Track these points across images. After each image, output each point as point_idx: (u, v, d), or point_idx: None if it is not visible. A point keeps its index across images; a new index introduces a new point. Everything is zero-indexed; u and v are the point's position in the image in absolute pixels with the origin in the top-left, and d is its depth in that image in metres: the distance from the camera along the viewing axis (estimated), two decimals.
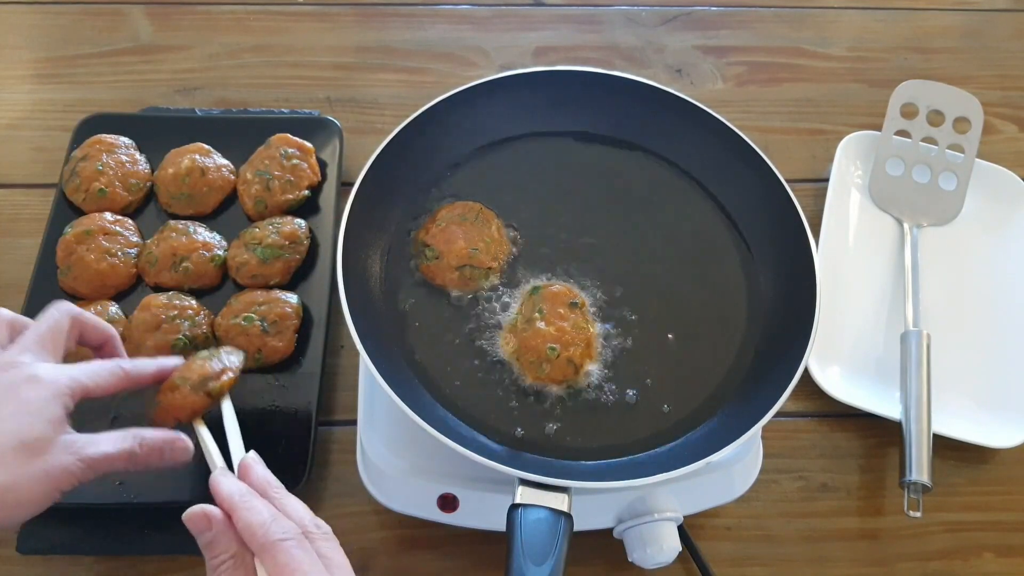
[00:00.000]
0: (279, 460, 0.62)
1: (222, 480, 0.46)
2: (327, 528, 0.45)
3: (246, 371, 0.58)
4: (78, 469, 0.44)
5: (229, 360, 0.55)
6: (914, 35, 0.96)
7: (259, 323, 0.66)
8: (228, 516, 0.44)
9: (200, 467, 0.62)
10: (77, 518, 0.62)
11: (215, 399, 0.52)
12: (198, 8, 0.92)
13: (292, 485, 0.61)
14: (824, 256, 0.74)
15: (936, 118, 0.82)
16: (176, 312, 0.66)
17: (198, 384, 0.52)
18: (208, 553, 0.43)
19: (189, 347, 0.65)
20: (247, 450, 0.51)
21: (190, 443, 0.50)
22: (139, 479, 0.61)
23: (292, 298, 0.68)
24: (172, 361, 0.53)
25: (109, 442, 0.46)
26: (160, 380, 0.53)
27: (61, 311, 0.51)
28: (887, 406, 0.68)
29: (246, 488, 0.46)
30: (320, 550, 0.43)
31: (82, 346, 0.53)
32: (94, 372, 0.49)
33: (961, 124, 0.81)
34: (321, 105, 0.85)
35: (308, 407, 0.65)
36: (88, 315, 0.53)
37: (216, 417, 0.53)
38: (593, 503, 0.58)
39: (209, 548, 0.43)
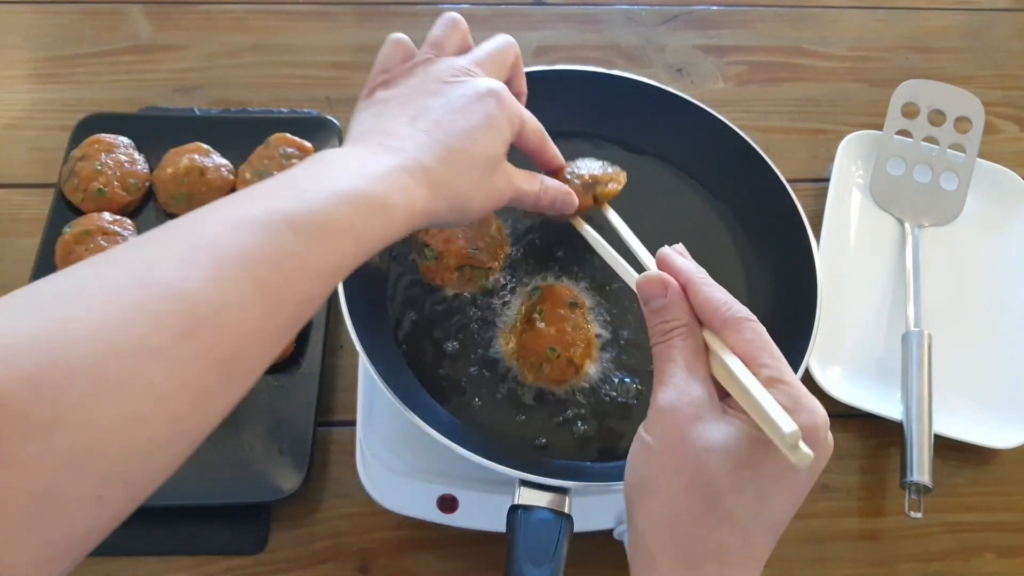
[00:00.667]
0: (278, 461, 0.62)
1: (675, 256, 0.46)
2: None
3: None
4: (508, 193, 0.49)
5: (616, 172, 0.57)
6: (915, 35, 0.96)
7: None
8: (683, 288, 0.44)
9: (201, 469, 0.62)
10: None
11: (599, 203, 0.55)
12: (197, 7, 0.91)
13: (292, 486, 0.61)
14: (825, 256, 0.74)
15: (937, 118, 0.82)
16: None
17: (588, 183, 0.55)
18: (657, 318, 0.43)
19: None
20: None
21: (576, 197, 0.54)
22: None
23: None
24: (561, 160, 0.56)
25: (526, 180, 0.51)
26: (551, 168, 0.56)
27: (508, 42, 0.52)
28: (888, 406, 0.68)
29: (701, 270, 0.45)
30: None
31: (521, 146, 0.53)
32: (532, 119, 0.51)
33: (962, 124, 0.81)
34: (320, 105, 0.85)
35: (307, 408, 0.65)
36: (520, 64, 0.54)
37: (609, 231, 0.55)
38: (593, 504, 0.57)
39: (660, 313, 0.43)
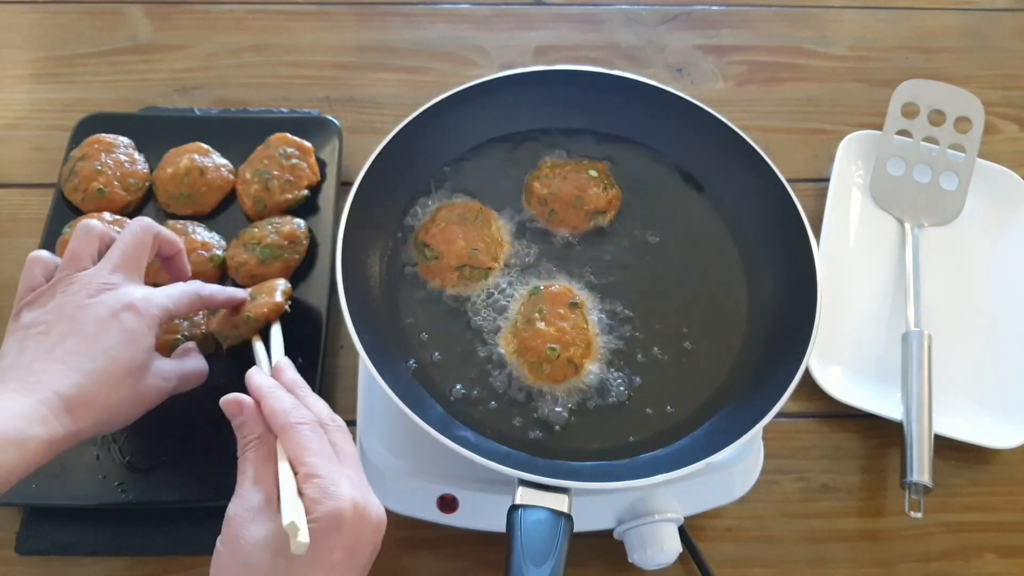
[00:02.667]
0: None
1: (255, 374, 0.52)
2: (341, 422, 0.51)
3: None
4: (161, 394, 0.54)
5: (271, 301, 0.62)
6: (915, 34, 0.96)
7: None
8: (258, 404, 0.50)
9: (202, 470, 0.62)
10: (77, 518, 0.62)
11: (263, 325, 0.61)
12: (197, 7, 0.91)
13: None
14: (825, 256, 0.74)
15: (937, 118, 0.82)
16: None
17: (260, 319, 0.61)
18: (239, 433, 0.49)
19: None
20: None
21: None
22: (138, 480, 0.61)
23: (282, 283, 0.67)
24: (240, 293, 0.62)
25: (177, 370, 0.56)
26: (227, 307, 0.62)
27: (144, 227, 0.56)
28: (888, 407, 0.68)
29: (275, 383, 0.51)
30: (332, 438, 0.49)
31: (157, 258, 0.59)
32: (176, 298, 0.55)
33: (962, 124, 0.81)
34: (320, 105, 0.85)
35: None
36: (164, 230, 0.57)
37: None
38: (593, 504, 0.57)
39: (240, 429, 0.49)
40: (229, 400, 0.50)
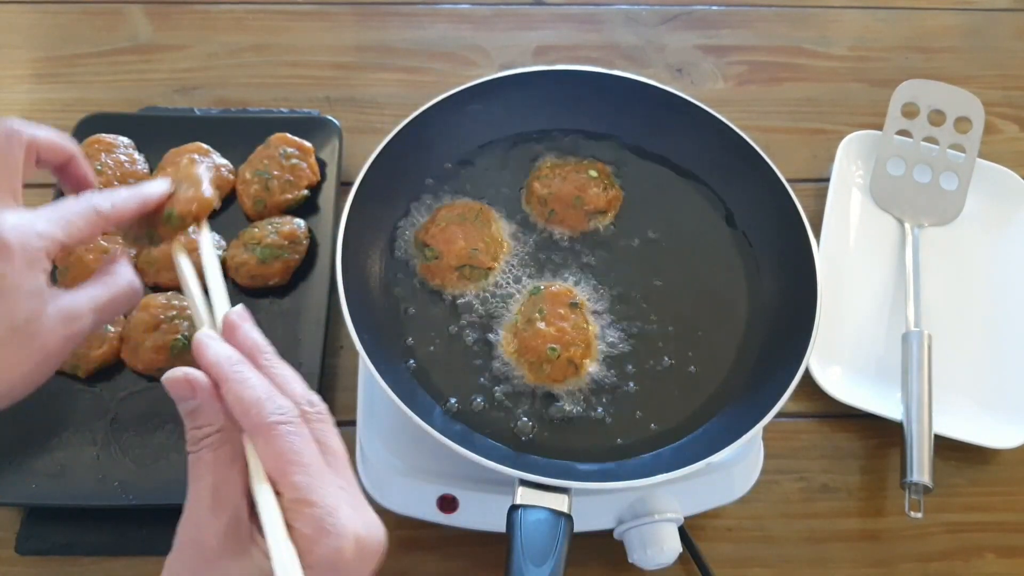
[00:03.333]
0: None
1: (209, 343, 0.39)
2: (322, 406, 0.39)
3: None
4: (78, 331, 0.40)
5: (196, 190, 0.46)
6: (915, 35, 0.96)
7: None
8: (215, 385, 0.38)
9: None
10: (77, 518, 0.62)
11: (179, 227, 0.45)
12: (197, 7, 0.91)
13: None
14: (825, 256, 0.74)
15: (937, 118, 0.82)
16: (175, 312, 0.66)
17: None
18: (190, 422, 0.38)
19: (188, 348, 0.64)
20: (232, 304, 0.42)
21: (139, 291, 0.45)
22: (138, 480, 0.61)
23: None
24: (157, 188, 0.44)
25: (85, 306, 0.41)
26: (147, 214, 0.44)
27: (6, 134, 0.42)
28: (888, 407, 0.68)
29: (237, 355, 0.39)
30: (317, 434, 0.38)
31: (41, 168, 0.45)
32: (67, 221, 0.40)
33: (962, 124, 0.81)
34: (320, 105, 0.85)
35: None
36: (41, 131, 0.43)
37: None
38: (593, 504, 0.57)
39: (191, 417, 0.38)
40: (175, 378, 0.38)
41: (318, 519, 0.35)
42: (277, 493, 0.36)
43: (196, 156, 0.51)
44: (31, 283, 0.38)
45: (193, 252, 0.46)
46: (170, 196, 0.45)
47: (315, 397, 0.39)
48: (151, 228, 0.45)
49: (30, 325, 0.38)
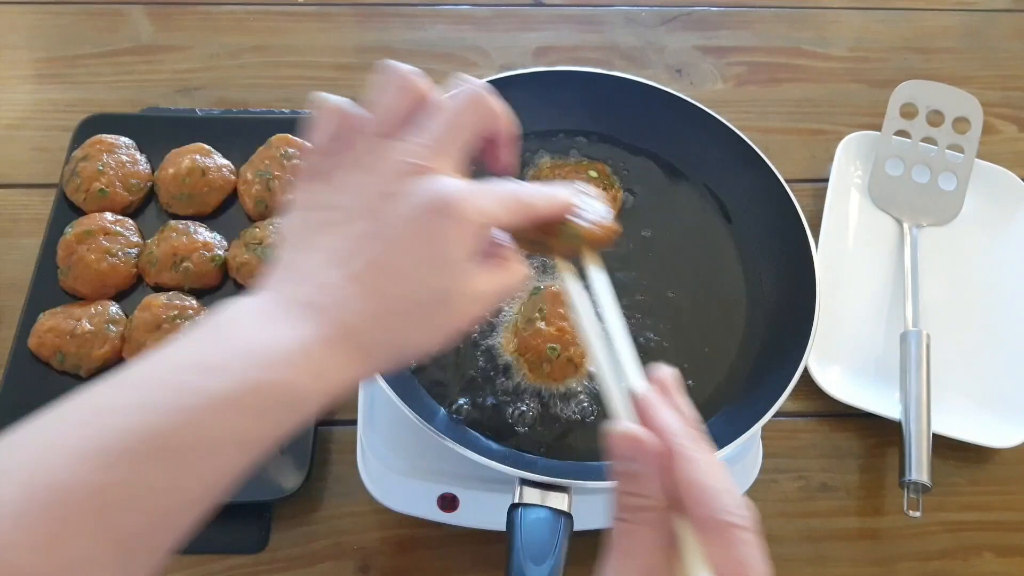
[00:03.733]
0: (279, 460, 0.62)
1: (660, 410, 0.35)
2: (749, 517, 0.34)
3: None
4: (474, 315, 0.37)
5: (611, 223, 0.43)
6: (914, 35, 0.96)
7: None
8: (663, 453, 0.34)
9: None
10: None
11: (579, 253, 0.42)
12: (198, 8, 0.92)
13: (292, 485, 0.61)
14: (824, 256, 0.74)
15: (936, 118, 0.82)
16: (176, 312, 0.66)
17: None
18: (624, 486, 0.34)
19: None
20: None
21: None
22: None
23: None
24: (565, 198, 0.41)
25: (498, 277, 0.38)
26: (551, 218, 0.40)
27: (474, 97, 0.39)
28: (887, 406, 0.68)
29: (692, 431, 0.35)
30: (737, 552, 0.32)
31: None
32: (503, 203, 0.37)
33: (961, 124, 0.81)
34: None
35: None
36: (499, 103, 0.40)
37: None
38: (594, 502, 0.57)
39: (629, 480, 0.34)
40: (625, 435, 0.34)
41: None
42: None
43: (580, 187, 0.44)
44: (466, 258, 0.36)
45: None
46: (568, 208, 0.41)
47: (743, 502, 0.34)
48: (545, 236, 0.41)
49: (449, 299, 0.36)
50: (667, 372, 0.37)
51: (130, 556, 0.28)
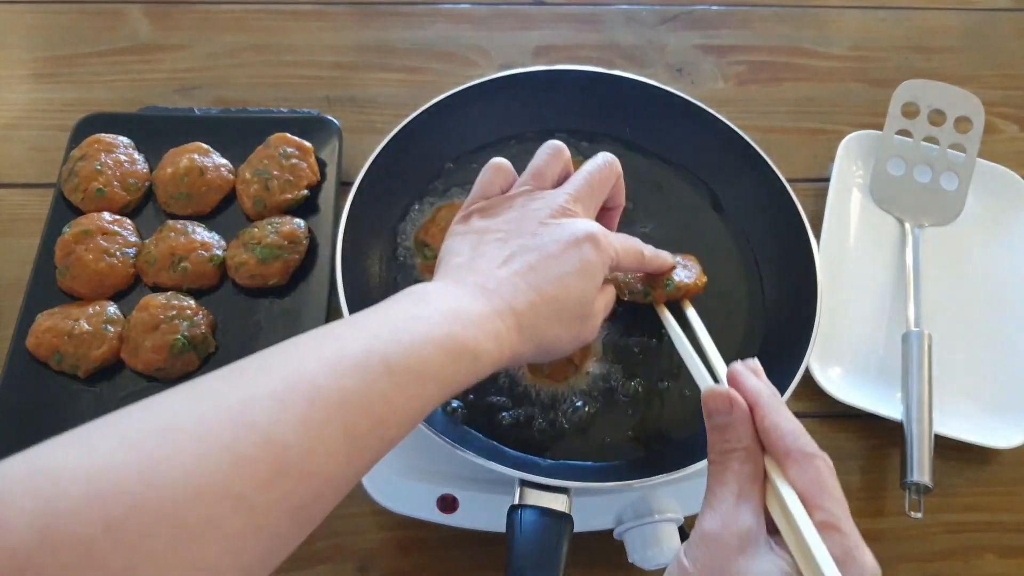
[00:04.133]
0: None
1: (748, 375, 0.43)
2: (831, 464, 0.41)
3: None
4: (595, 332, 0.49)
5: (697, 273, 0.58)
6: (915, 34, 0.96)
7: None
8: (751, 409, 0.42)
9: None
10: None
11: (675, 300, 0.56)
12: (197, 7, 0.91)
13: None
14: (825, 256, 0.74)
15: (937, 118, 0.82)
16: (175, 312, 0.66)
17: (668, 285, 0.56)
18: (717, 435, 0.42)
19: (188, 348, 0.64)
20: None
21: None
22: None
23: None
24: (669, 260, 0.56)
25: (607, 305, 0.51)
26: (656, 272, 0.55)
27: (611, 164, 0.51)
28: (888, 407, 0.68)
29: (775, 392, 0.43)
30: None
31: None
32: (627, 251, 0.50)
33: (962, 124, 0.81)
34: (320, 104, 0.85)
35: None
36: (619, 167, 0.53)
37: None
38: (593, 504, 0.57)
39: (721, 431, 0.42)
40: (719, 392, 0.42)
41: (847, 547, 0.36)
42: None
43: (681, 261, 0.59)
44: (599, 277, 0.47)
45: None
46: (673, 268, 0.56)
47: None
48: (648, 286, 0.56)
49: (587, 307, 0.47)
50: (753, 360, 0.46)
51: (353, 449, 0.34)
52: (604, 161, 0.51)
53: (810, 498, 0.38)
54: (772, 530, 0.39)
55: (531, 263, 0.45)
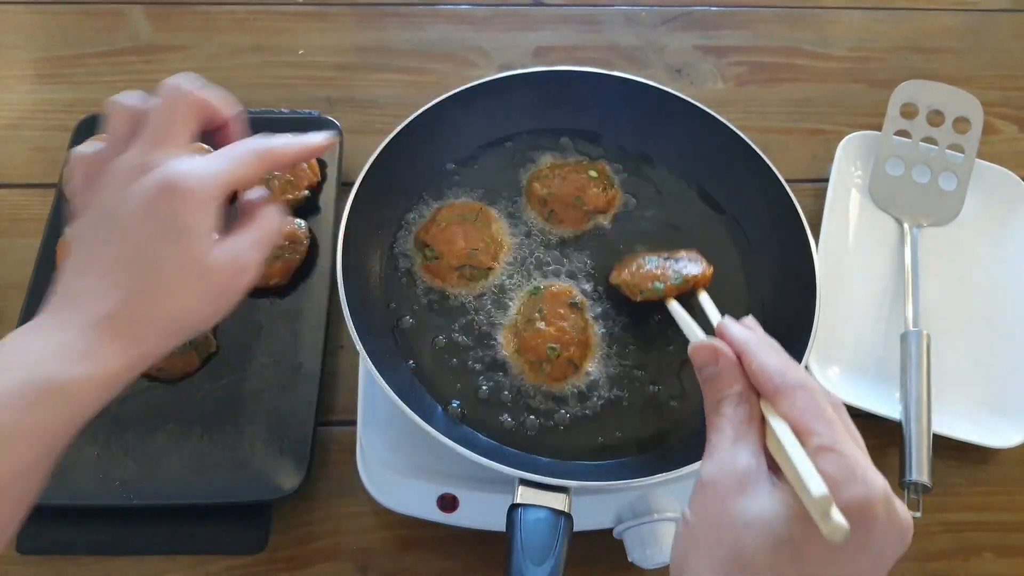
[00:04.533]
0: (279, 460, 0.62)
1: (732, 325, 0.44)
2: (838, 399, 0.40)
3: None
4: (248, 274, 0.43)
5: (704, 267, 0.59)
6: (914, 35, 0.96)
7: None
8: (737, 358, 0.42)
9: (202, 469, 0.62)
10: (78, 517, 0.62)
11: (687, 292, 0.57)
12: (198, 8, 0.92)
13: (292, 485, 0.61)
14: (824, 256, 0.74)
15: (936, 118, 0.82)
16: None
17: (682, 278, 0.57)
18: (711, 386, 0.42)
19: (189, 347, 0.65)
20: None
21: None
22: (139, 479, 0.61)
23: None
24: (317, 139, 0.48)
25: (250, 242, 0.44)
26: (302, 160, 0.49)
27: (175, 92, 0.45)
28: (887, 406, 0.68)
29: (763, 336, 0.43)
30: (832, 400, 0.39)
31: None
32: (238, 161, 0.43)
33: (961, 124, 0.81)
34: (321, 105, 0.85)
35: (308, 407, 0.65)
36: (206, 92, 0.46)
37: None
38: (593, 503, 0.58)
39: (711, 381, 0.42)
40: (702, 345, 0.42)
41: (847, 466, 0.35)
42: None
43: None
44: (203, 224, 0.41)
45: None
46: (675, 264, 0.59)
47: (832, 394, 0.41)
48: (652, 281, 0.58)
49: (204, 262, 0.41)
50: (748, 319, 0.45)
51: None
52: (168, 92, 0.45)
53: (803, 426, 0.37)
54: (776, 470, 0.38)
55: (114, 256, 0.40)
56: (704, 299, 0.56)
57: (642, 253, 0.62)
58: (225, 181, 0.42)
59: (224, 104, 0.47)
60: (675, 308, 0.55)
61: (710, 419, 0.41)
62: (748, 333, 0.43)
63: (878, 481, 0.35)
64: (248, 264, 0.43)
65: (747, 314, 0.61)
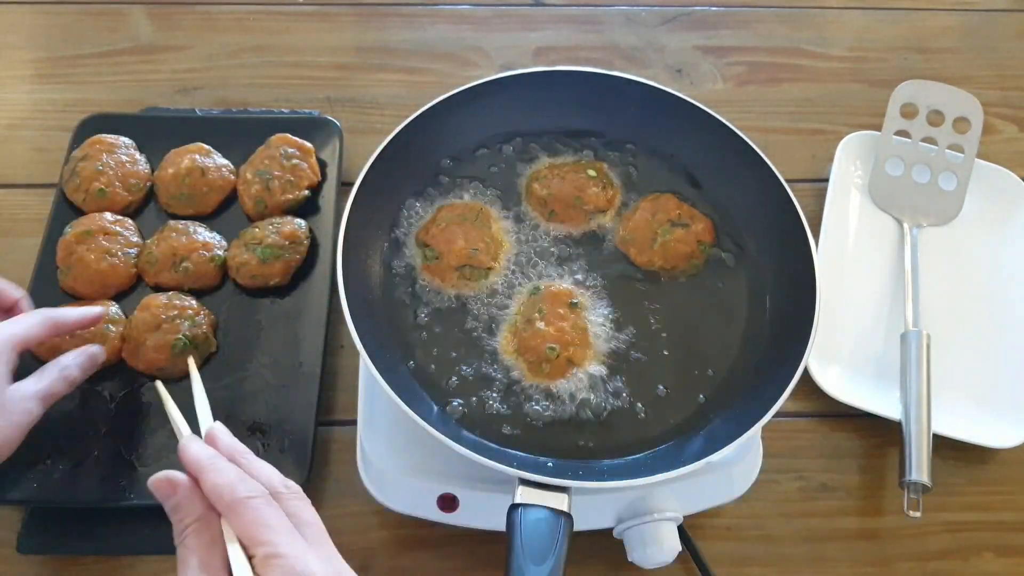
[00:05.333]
0: (280, 460, 0.62)
1: (189, 445, 0.45)
2: (297, 488, 0.45)
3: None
4: (28, 417, 0.54)
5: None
6: (914, 35, 0.96)
7: None
8: (195, 480, 0.43)
9: None
10: (77, 518, 0.62)
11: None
12: (198, 8, 0.92)
13: None
14: (824, 256, 0.74)
15: (936, 118, 0.82)
16: (176, 312, 0.66)
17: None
18: (174, 518, 0.43)
19: (189, 347, 0.65)
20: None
21: (100, 348, 0.61)
22: (139, 480, 0.61)
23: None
24: (94, 311, 0.61)
25: (43, 380, 0.56)
26: (83, 327, 0.62)
27: None
28: (887, 406, 0.68)
29: (214, 452, 0.45)
30: (289, 508, 0.43)
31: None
32: (27, 325, 0.56)
33: (961, 124, 0.81)
34: (321, 105, 0.85)
35: (308, 407, 0.65)
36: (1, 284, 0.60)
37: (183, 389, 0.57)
38: (593, 503, 0.58)
39: (175, 512, 0.43)
40: (159, 479, 0.43)
41: (288, 567, 0.39)
42: (251, 559, 0.40)
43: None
44: (1, 373, 0.53)
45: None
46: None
47: (290, 482, 0.45)
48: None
49: (2, 402, 0.52)
50: (216, 426, 0.48)
51: None
52: None
53: (252, 539, 0.40)
54: None
55: None
56: (195, 380, 0.56)
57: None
58: (18, 338, 0.54)
59: (7, 290, 0.61)
60: (166, 399, 0.55)
61: (178, 552, 0.42)
62: (204, 451, 0.44)
63: (319, 571, 0.39)
64: (33, 408, 0.54)
65: (746, 315, 0.62)
